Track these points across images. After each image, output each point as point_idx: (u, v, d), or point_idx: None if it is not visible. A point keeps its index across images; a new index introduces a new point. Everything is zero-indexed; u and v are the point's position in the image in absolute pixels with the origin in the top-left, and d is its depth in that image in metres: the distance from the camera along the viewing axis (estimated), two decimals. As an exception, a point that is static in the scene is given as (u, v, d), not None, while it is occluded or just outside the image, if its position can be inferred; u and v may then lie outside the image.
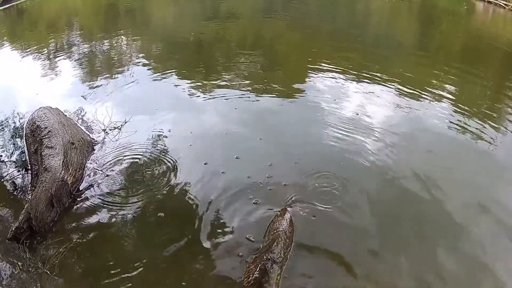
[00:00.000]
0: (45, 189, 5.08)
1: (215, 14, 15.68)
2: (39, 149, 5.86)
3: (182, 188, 5.63)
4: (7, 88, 8.58)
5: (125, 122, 7.02)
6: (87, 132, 6.75)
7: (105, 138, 6.64)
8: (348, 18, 16.39)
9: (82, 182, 5.65)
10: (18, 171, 5.91)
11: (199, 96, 8.38)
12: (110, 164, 6.02)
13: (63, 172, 5.39)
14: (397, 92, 8.65)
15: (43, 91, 8.46)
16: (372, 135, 6.97)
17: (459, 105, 8.18)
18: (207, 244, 4.77)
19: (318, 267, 4.54)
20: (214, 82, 8.99)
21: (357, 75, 9.35)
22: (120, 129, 6.85)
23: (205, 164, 6.07)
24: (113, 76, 9.38)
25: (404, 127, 7.36)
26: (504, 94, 9.09)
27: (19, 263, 4.44)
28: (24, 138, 6.54)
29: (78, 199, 5.37)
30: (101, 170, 5.88)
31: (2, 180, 5.73)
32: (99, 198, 5.39)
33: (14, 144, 6.56)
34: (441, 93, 8.70)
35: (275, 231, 4.66)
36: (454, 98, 8.53)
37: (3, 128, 6.99)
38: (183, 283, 4.31)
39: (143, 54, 11.05)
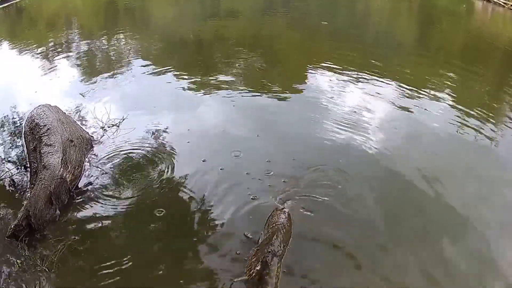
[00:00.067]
0: (44, 186, 5.07)
1: (214, 13, 15.70)
2: (38, 146, 5.86)
3: (180, 185, 5.63)
4: (6, 86, 8.58)
5: (123, 120, 7.03)
6: (85, 129, 6.75)
7: (103, 135, 6.65)
8: (348, 18, 16.42)
9: (80, 179, 5.64)
10: (17, 169, 5.89)
11: (197, 93, 8.40)
12: (108, 162, 6.02)
13: (62, 169, 5.38)
14: (397, 91, 8.66)
15: (42, 89, 8.44)
16: (372, 132, 6.98)
17: (459, 102, 8.20)
18: (205, 242, 4.76)
19: (319, 261, 4.55)
20: (212, 80, 9.00)
21: (357, 74, 9.36)
22: (118, 127, 6.85)
23: (203, 161, 6.07)
24: (112, 74, 9.38)
25: (403, 124, 7.40)
26: (504, 92, 9.10)
27: (18, 260, 4.43)
28: (23, 136, 6.53)
29: (76, 196, 5.36)
30: (99, 168, 5.88)
31: (1, 178, 5.71)
32: (98, 196, 5.38)
33: (13, 142, 6.55)
34: (441, 91, 8.71)
35: (274, 224, 4.72)
36: (454, 96, 8.54)
37: (2, 126, 6.99)
38: (181, 281, 4.30)
39: (142, 52, 11.06)
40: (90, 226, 4.95)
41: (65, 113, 6.90)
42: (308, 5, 16.87)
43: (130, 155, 6.20)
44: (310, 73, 9.62)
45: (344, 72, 9.53)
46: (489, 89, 9.34)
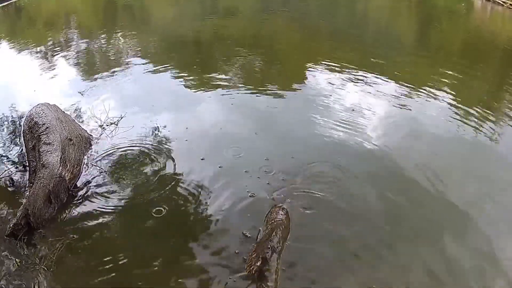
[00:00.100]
0: (43, 185, 5.08)
1: (214, 12, 15.68)
2: (37, 145, 5.86)
3: (179, 183, 5.62)
4: (5, 85, 8.58)
5: (121, 118, 7.03)
6: (84, 128, 6.74)
7: (102, 134, 6.65)
8: (347, 17, 16.40)
9: (79, 178, 5.64)
10: (16, 167, 5.90)
11: (196, 92, 8.40)
12: (107, 160, 6.02)
13: (60, 168, 5.38)
14: (396, 89, 8.65)
15: (40, 87, 8.44)
16: (371, 130, 6.98)
17: (459, 101, 8.18)
18: (204, 240, 4.75)
19: (320, 259, 4.55)
20: (211, 78, 9.01)
21: (356, 73, 9.35)
22: (116, 125, 6.85)
23: (202, 159, 6.07)
24: (111, 72, 9.37)
25: (403, 122, 7.41)
26: (504, 90, 9.11)
27: (17, 259, 4.43)
28: (22, 134, 6.52)
29: (75, 195, 5.36)
30: (98, 166, 5.87)
31: (0, 177, 5.71)
32: (96, 194, 5.37)
33: (12, 140, 6.55)
34: (441, 90, 8.69)
35: (273, 220, 4.75)
36: (453, 94, 8.52)
37: (1, 125, 6.98)
38: (179, 280, 4.30)
39: (141, 51, 11.04)
40: (89, 224, 4.94)
41: (64, 112, 6.90)
42: (308, 5, 16.86)
43: (129, 153, 6.19)
44: (310, 72, 9.60)
45: (343, 71, 9.52)
46: (489, 87, 9.34)
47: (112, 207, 5.18)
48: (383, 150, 6.47)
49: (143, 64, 10.02)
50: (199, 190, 5.50)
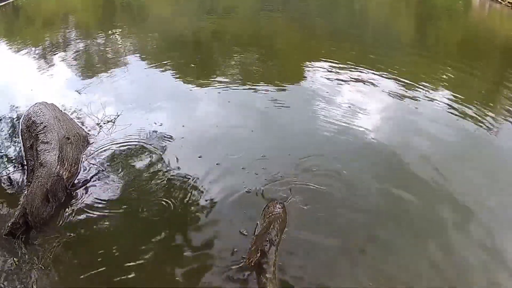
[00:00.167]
0: (40, 184, 5.08)
1: (212, 11, 15.66)
2: (34, 144, 5.86)
3: (176, 181, 5.62)
4: (2, 84, 8.56)
5: (118, 116, 7.03)
6: (82, 126, 6.74)
7: (99, 132, 6.65)
8: (347, 16, 16.37)
9: (77, 176, 5.64)
10: (14, 166, 5.90)
11: (193, 90, 8.38)
12: (104, 158, 6.02)
13: (58, 167, 5.38)
14: (395, 86, 8.63)
15: (38, 86, 8.44)
16: (369, 127, 6.97)
17: (458, 96, 8.19)
18: (202, 239, 4.75)
19: (314, 253, 4.58)
20: (208, 77, 9.00)
21: (355, 71, 9.33)
22: (113, 123, 6.85)
23: (199, 157, 6.08)
24: (108, 71, 9.37)
25: (402, 118, 7.46)
26: (503, 86, 9.12)
27: (15, 258, 4.43)
28: (19, 133, 6.52)
29: (73, 193, 5.36)
30: (96, 165, 5.87)
31: (-2, 176, 5.72)
32: (94, 193, 5.37)
33: (9, 139, 6.55)
34: (440, 87, 8.71)
35: (271, 214, 4.83)
36: (452, 90, 8.51)
37: (-1, 124, 6.99)
38: (176, 278, 4.30)
39: (139, 50, 11.03)
40: (86, 223, 4.94)
41: (61, 111, 6.90)
42: (308, 5, 16.84)
43: (126, 151, 6.20)
44: (308, 70, 9.58)
45: (342, 69, 9.48)
46: (487, 85, 9.33)
47: (109, 206, 5.18)
48: (383, 145, 6.50)
49: (141, 62, 10.02)
50: (197, 187, 5.50)
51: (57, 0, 17.91)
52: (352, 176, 5.75)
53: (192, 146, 6.35)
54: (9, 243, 4.61)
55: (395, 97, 8.21)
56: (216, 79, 8.91)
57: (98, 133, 6.61)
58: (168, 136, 6.57)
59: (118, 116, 7.04)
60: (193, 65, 9.91)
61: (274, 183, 5.54)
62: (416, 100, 8.12)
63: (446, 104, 7.93)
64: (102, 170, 5.76)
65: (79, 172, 5.73)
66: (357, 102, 7.86)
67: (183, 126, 6.88)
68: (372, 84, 8.72)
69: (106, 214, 5.07)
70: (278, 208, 4.95)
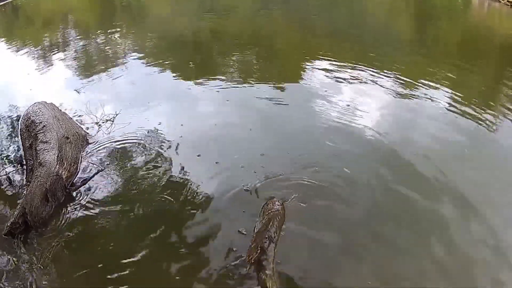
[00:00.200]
0: (40, 183, 5.09)
1: (212, 10, 15.64)
2: (34, 144, 5.87)
3: (175, 180, 5.64)
4: (1, 84, 8.57)
5: (116, 115, 7.04)
6: (81, 126, 6.74)
7: (98, 131, 6.65)
8: (346, 16, 16.33)
9: (76, 176, 5.64)
10: (14, 166, 5.90)
11: (191, 89, 8.38)
12: (103, 157, 6.03)
13: (57, 166, 5.39)
14: (395, 85, 8.61)
15: (37, 86, 8.44)
16: (368, 125, 6.96)
17: (457, 95, 8.17)
18: (201, 237, 4.77)
19: (316, 250, 4.61)
20: (207, 76, 8.97)
21: (354, 70, 9.31)
22: (112, 122, 6.86)
23: (198, 155, 6.08)
24: (107, 70, 9.37)
25: (402, 115, 7.45)
26: (502, 84, 9.12)
27: (14, 258, 4.44)
28: (19, 133, 6.52)
29: (72, 193, 5.36)
30: (95, 164, 5.88)
31: (-2, 175, 5.73)
32: (93, 192, 5.39)
33: (9, 139, 6.55)
34: (439, 85, 8.67)
35: (270, 211, 4.88)
36: (452, 89, 8.49)
37: (-2, 123, 7.00)
38: (176, 278, 4.31)
39: (138, 49, 11.02)
40: (85, 222, 4.95)
41: (60, 110, 6.90)
42: (308, 5, 16.80)
43: (125, 150, 6.21)
44: (307, 69, 9.56)
45: (342, 68, 9.46)
46: (487, 82, 9.32)
47: (109, 205, 5.19)
48: (383, 143, 6.49)
49: (140, 61, 10.01)
50: (196, 186, 5.51)
51: (57, 0, 17.89)
52: (352, 174, 5.75)
53: (191, 145, 6.35)
54: (8, 242, 4.62)
55: (394, 96, 8.19)
56: (215, 78, 8.89)
57: (97, 132, 6.61)
58: (167, 135, 6.58)
59: (117, 115, 7.05)
60: (192, 64, 9.91)
61: (273, 181, 5.56)
62: (416, 98, 8.10)
63: (445, 102, 7.91)
64: (101, 170, 5.76)
65: (79, 171, 5.73)
66: (357, 100, 7.84)
67: (182, 125, 6.88)
68: (372, 82, 8.71)
69: (105, 213, 5.08)
70: (277, 205, 5.00)
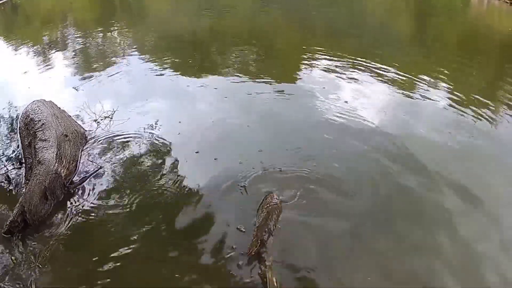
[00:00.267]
0: (38, 182, 5.07)
1: (210, 8, 15.63)
2: (32, 142, 5.84)
3: (174, 178, 5.62)
4: (0, 82, 8.55)
5: (114, 112, 7.04)
6: (80, 123, 6.73)
7: (97, 128, 6.64)
8: (346, 16, 16.32)
9: (75, 174, 5.63)
10: (12, 164, 5.88)
11: (190, 86, 8.38)
12: (102, 155, 6.02)
13: (56, 164, 5.37)
14: (394, 83, 8.62)
15: (36, 84, 8.44)
16: (367, 120, 6.99)
17: (456, 93, 8.17)
18: (199, 233, 4.76)
19: (321, 244, 4.63)
20: (205, 73, 9.03)
21: (353, 68, 9.32)
22: (111, 119, 6.86)
23: (196, 152, 6.08)
24: (105, 68, 9.37)
25: (401, 114, 7.41)
26: (503, 81, 9.13)
27: (12, 257, 4.42)
28: (18, 131, 6.50)
29: (71, 191, 5.34)
30: (94, 162, 5.86)
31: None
32: (92, 190, 5.37)
33: (8, 137, 6.53)
34: (439, 82, 8.70)
35: (268, 205, 4.95)
36: (451, 86, 8.51)
37: (-3, 122, 6.98)
38: (176, 275, 4.29)
39: (136, 46, 11.08)
40: (83, 221, 4.93)
41: (60, 108, 6.87)
42: (307, 5, 16.79)
43: (123, 147, 6.20)
44: (306, 67, 9.57)
45: (341, 66, 9.47)
46: (486, 81, 9.33)
47: (107, 203, 5.18)
48: (383, 138, 6.50)
49: (138, 59, 10.04)
50: (195, 183, 5.50)
51: None
52: (353, 168, 5.79)
53: (189, 142, 6.34)
54: (7, 241, 4.60)
55: (394, 93, 8.20)
56: (212, 75, 8.95)
57: (96, 130, 6.60)
58: (165, 132, 6.57)
59: (115, 112, 7.05)
60: (190, 62, 9.90)
61: (272, 175, 5.58)
62: (416, 95, 8.12)
63: (446, 98, 7.94)
64: (100, 167, 5.75)
65: (78, 169, 5.72)
66: (356, 97, 7.86)
67: (180, 122, 6.90)
68: (371, 80, 8.72)
69: (104, 211, 5.06)
70: (276, 198, 5.07)
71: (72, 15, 15.10)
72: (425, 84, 8.52)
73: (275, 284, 4.06)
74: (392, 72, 9.06)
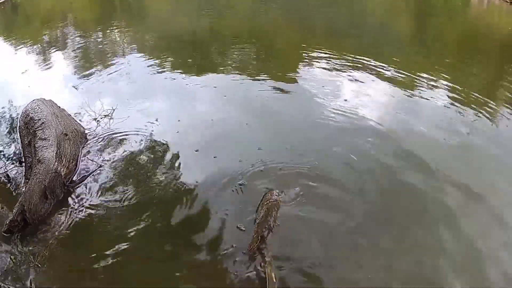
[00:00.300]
0: (38, 181, 5.06)
1: (210, 8, 15.63)
2: (32, 141, 5.83)
3: (173, 176, 5.62)
4: (0, 81, 8.54)
5: (114, 110, 7.04)
6: (79, 122, 6.72)
7: (97, 127, 6.64)
8: (346, 16, 16.31)
9: (75, 173, 5.62)
10: (12, 163, 5.88)
11: (189, 85, 8.37)
12: (102, 154, 6.01)
13: (56, 163, 5.36)
14: (394, 82, 8.61)
15: (35, 83, 8.43)
16: (366, 121, 6.97)
17: (456, 92, 8.16)
18: (198, 231, 4.77)
19: (322, 243, 4.65)
20: (205, 72, 9.00)
21: (352, 67, 9.31)
22: (111, 117, 6.85)
23: (196, 151, 6.08)
24: (105, 67, 9.37)
25: (401, 113, 7.41)
26: (503, 80, 9.13)
27: (12, 256, 4.41)
28: (18, 130, 6.50)
29: (71, 190, 5.34)
30: (94, 161, 5.86)
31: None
32: (91, 189, 5.36)
33: (8, 136, 6.53)
34: (439, 82, 8.68)
35: (268, 201, 5.00)
36: (451, 86, 8.49)
37: (-4, 121, 6.97)
38: (176, 274, 4.29)
39: (135, 46, 11.09)
40: (83, 219, 4.93)
41: (59, 107, 6.86)
42: (308, 5, 16.79)
43: (123, 146, 6.20)
44: (305, 67, 9.55)
45: (338, 63, 9.47)
46: (486, 80, 9.33)
47: (107, 202, 5.17)
48: (383, 137, 6.51)
49: (138, 58, 10.03)
50: (195, 181, 5.50)
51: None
52: (355, 165, 5.79)
53: (188, 140, 6.34)
54: (6, 240, 4.59)
55: (394, 92, 8.19)
56: (211, 74, 8.93)
57: (95, 128, 6.60)
58: (165, 131, 6.57)
59: (115, 110, 7.04)
60: (189, 61, 9.89)
61: (271, 173, 5.58)
62: (416, 93, 8.11)
63: (446, 96, 7.95)
64: (100, 166, 5.75)
65: (78, 168, 5.71)
66: (356, 97, 7.85)
67: (179, 120, 6.91)
68: (371, 79, 8.70)
69: (104, 209, 5.05)
70: (275, 195, 5.11)
71: (72, 15, 15.08)
72: (425, 83, 8.52)
73: (274, 280, 4.10)
74: (392, 71, 9.06)
